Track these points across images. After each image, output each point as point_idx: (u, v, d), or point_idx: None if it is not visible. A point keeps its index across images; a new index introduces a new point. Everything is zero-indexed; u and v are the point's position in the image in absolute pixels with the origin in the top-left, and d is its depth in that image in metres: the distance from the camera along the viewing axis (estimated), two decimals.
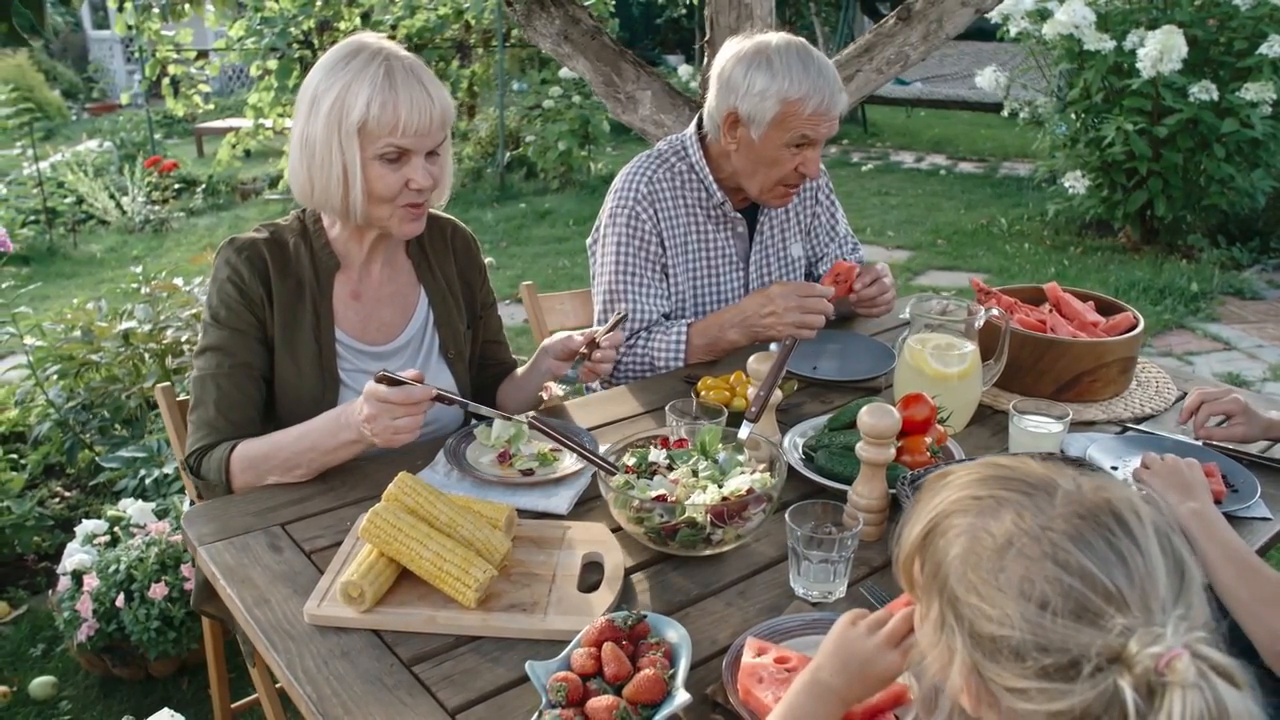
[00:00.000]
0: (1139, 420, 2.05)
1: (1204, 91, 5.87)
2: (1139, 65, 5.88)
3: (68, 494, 3.58)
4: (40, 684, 2.69)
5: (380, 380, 1.58)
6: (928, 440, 1.73)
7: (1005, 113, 7.18)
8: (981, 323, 1.94)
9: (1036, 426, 1.83)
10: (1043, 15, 6.43)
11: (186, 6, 4.26)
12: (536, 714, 1.14)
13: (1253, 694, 0.76)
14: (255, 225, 1.92)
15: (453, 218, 2.11)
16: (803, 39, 2.25)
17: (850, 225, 2.73)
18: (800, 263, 2.59)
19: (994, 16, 6.73)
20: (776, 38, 2.21)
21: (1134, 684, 0.75)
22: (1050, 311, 2.21)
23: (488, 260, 2.18)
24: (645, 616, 1.29)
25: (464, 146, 9.45)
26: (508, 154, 9.19)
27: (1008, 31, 6.74)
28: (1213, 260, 6.31)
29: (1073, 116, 6.59)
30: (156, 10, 4.30)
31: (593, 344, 1.95)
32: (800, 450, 1.83)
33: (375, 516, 1.41)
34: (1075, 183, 6.56)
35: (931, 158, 10.44)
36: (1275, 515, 1.71)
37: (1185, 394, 2.17)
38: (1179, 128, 6.01)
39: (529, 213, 8.09)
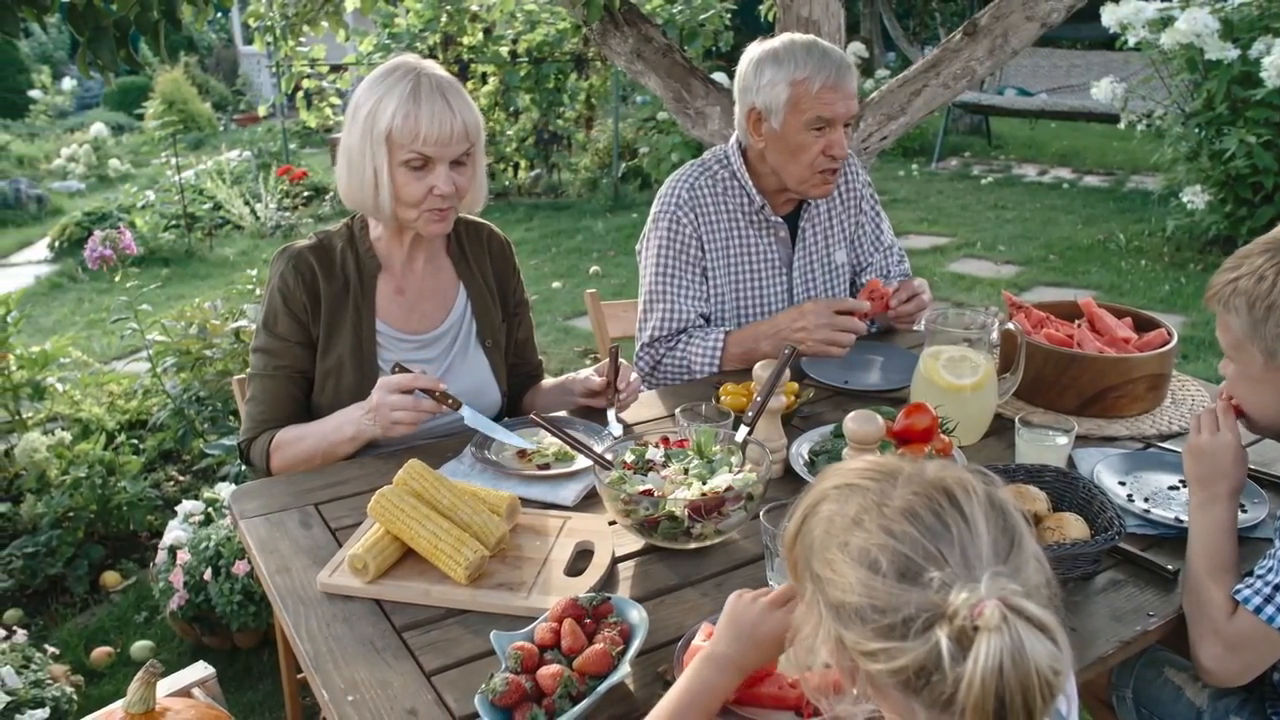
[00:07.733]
0: (1165, 438, 2.03)
1: None
2: (1264, 74, 5.64)
3: (181, 478, 3.89)
4: (140, 647, 2.96)
5: (395, 369, 1.89)
6: (928, 450, 1.78)
7: (1122, 124, 6.96)
8: (996, 335, 1.97)
9: (1042, 439, 1.85)
10: (1164, 24, 6.23)
11: (305, 27, 4.57)
12: (490, 676, 1.26)
13: (1065, 645, 0.84)
14: (310, 234, 2.12)
15: (489, 223, 2.27)
16: (811, 35, 2.35)
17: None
18: (845, 269, 2.62)
19: (1112, 26, 6.55)
20: (784, 36, 2.33)
21: (951, 634, 0.83)
22: (1080, 326, 2.21)
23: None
24: (609, 598, 1.39)
25: (582, 158, 9.71)
26: (623, 165, 9.38)
27: (1126, 41, 6.54)
28: None
29: (1196, 129, 6.35)
30: (278, 32, 4.63)
31: (612, 386, 2.08)
32: (806, 455, 1.90)
33: (381, 497, 1.56)
34: (1194, 197, 6.33)
35: (1056, 171, 10.15)
36: None
37: None
38: None
39: (639, 223, 8.19)
